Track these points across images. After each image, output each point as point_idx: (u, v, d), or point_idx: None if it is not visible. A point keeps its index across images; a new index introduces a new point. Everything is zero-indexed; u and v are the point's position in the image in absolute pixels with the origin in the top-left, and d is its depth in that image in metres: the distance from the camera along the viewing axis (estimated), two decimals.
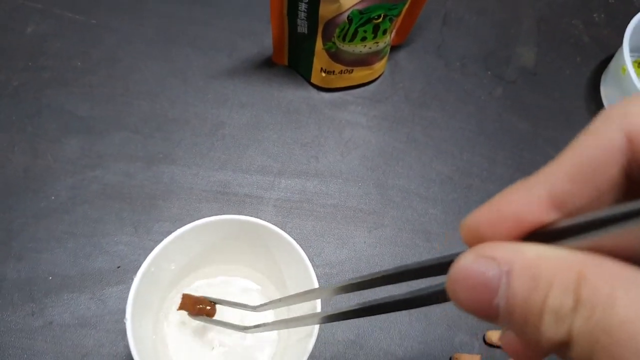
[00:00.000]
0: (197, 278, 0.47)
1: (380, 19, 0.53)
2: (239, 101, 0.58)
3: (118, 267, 0.50)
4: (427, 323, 0.52)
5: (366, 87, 0.61)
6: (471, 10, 0.67)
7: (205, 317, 0.40)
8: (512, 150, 0.61)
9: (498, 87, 0.63)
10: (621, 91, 0.61)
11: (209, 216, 0.43)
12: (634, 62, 0.64)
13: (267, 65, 0.60)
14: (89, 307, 0.49)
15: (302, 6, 0.52)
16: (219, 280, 0.48)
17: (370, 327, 0.51)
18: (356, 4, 0.51)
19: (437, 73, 0.63)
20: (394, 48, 0.63)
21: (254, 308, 0.37)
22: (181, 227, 0.42)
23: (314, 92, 0.60)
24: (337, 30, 0.53)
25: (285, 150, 0.57)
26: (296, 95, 0.59)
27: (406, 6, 0.57)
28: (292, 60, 0.59)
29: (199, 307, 0.40)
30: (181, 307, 0.40)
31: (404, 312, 0.53)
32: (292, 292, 0.42)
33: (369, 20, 0.53)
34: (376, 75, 0.61)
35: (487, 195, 0.58)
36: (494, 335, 0.52)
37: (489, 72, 0.64)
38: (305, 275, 0.41)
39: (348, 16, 0.52)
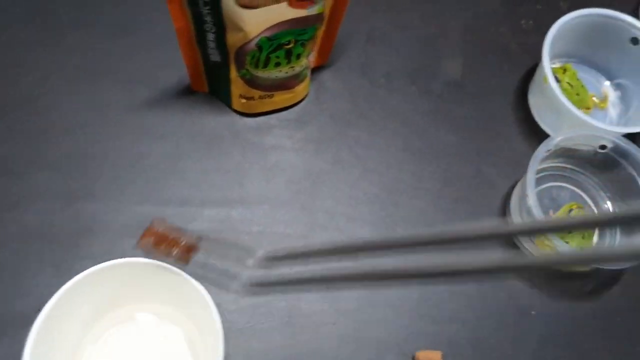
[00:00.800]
0: (111, 321, 0.46)
1: (292, 45, 0.53)
2: (160, 132, 0.58)
3: (39, 310, 0.50)
4: (356, 345, 0.52)
5: (291, 110, 0.61)
6: (395, 25, 0.67)
7: (178, 260, 0.32)
8: (439, 164, 0.60)
9: (424, 102, 0.63)
10: (545, 100, 0.61)
11: (130, 253, 0.43)
12: (559, 67, 0.64)
13: (187, 94, 0.60)
14: (7, 352, 0.48)
15: (210, 36, 0.52)
16: (135, 321, 0.47)
17: (297, 352, 0.50)
18: (263, 31, 0.51)
19: (362, 91, 0.63)
20: (318, 68, 0.63)
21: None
22: (101, 264, 0.42)
23: (237, 118, 0.59)
24: (249, 58, 0.53)
25: (208, 179, 0.57)
26: (218, 122, 0.59)
27: (323, 28, 0.57)
28: (212, 87, 0.59)
29: (173, 239, 0.31)
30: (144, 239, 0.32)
31: (334, 334, 0.52)
32: (206, 333, 0.42)
33: (279, 47, 0.53)
34: (299, 98, 0.60)
35: (414, 211, 0.58)
36: (423, 356, 0.52)
37: (415, 87, 0.64)
38: (209, 314, 0.41)
39: (257, 44, 0.51)
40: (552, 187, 0.62)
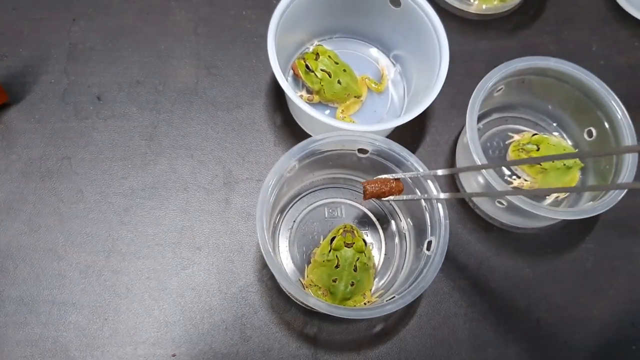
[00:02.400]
0: None
1: None
2: None
3: None
4: None
5: None
6: (103, 33, 0.52)
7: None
8: (161, 200, 0.47)
9: (148, 125, 0.49)
10: (290, 100, 0.47)
11: None
12: (311, 53, 0.50)
13: None
14: None
15: None
16: None
17: None
18: None
19: (65, 125, 0.49)
20: (1, 109, 0.48)
21: None
22: None
23: None
24: None
25: None
26: None
27: None
28: None
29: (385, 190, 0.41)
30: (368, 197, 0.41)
31: None
32: None
33: None
34: None
35: (142, 272, 0.44)
36: None
37: (135, 107, 0.50)
38: None
39: None
40: (325, 204, 0.49)
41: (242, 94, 0.51)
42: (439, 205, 0.41)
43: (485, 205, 0.49)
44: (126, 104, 0.50)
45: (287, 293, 0.45)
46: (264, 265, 0.46)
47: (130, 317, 0.44)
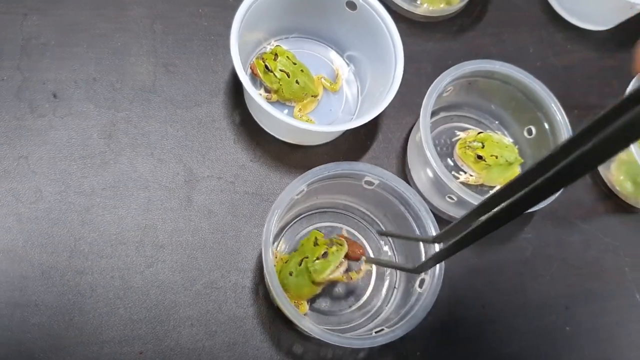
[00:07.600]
0: None
1: None
2: None
3: None
4: None
5: None
6: (59, 28, 0.51)
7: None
8: (136, 203, 0.47)
9: (106, 124, 0.49)
10: (252, 101, 0.48)
11: None
12: (270, 53, 0.51)
13: None
14: None
15: None
16: None
17: None
18: None
19: (23, 123, 0.48)
20: None
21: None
22: None
23: None
24: None
25: None
26: None
27: None
28: None
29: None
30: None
31: None
32: None
33: None
34: None
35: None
36: None
37: (92, 105, 0.49)
38: None
39: None
40: (324, 227, 0.50)
41: (201, 92, 0.52)
42: (437, 246, 0.43)
43: (435, 200, 0.52)
44: (83, 101, 0.49)
45: (285, 314, 0.46)
46: (227, 262, 0.47)
47: (95, 316, 0.44)
